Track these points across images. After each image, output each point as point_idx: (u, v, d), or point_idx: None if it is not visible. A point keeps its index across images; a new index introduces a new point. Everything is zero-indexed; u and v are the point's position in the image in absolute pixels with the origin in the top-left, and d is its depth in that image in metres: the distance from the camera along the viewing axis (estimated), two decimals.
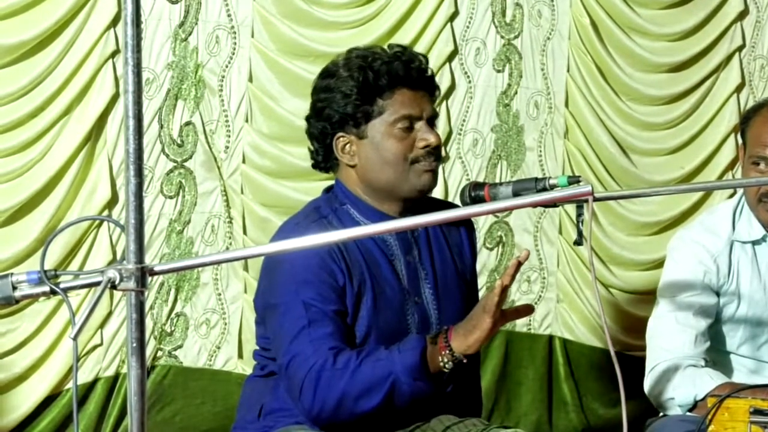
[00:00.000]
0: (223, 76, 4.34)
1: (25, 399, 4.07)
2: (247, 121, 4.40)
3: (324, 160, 2.99)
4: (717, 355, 3.44)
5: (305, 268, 2.81)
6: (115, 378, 4.23)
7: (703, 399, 3.14)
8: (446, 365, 2.72)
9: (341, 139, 2.93)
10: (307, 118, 3.00)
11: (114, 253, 4.16)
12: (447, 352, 2.70)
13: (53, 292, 2.05)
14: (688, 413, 3.22)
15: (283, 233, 2.93)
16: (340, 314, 2.83)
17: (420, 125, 2.91)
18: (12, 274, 2.07)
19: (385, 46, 2.98)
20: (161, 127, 4.23)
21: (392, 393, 2.72)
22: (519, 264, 2.65)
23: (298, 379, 2.76)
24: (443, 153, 4.64)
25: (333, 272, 2.83)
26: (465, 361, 2.72)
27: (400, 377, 2.71)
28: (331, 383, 2.73)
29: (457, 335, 2.71)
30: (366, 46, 3.05)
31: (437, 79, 3.08)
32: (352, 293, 2.85)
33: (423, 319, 2.93)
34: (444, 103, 4.74)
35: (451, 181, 4.77)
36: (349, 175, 2.96)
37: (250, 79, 4.40)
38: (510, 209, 4.49)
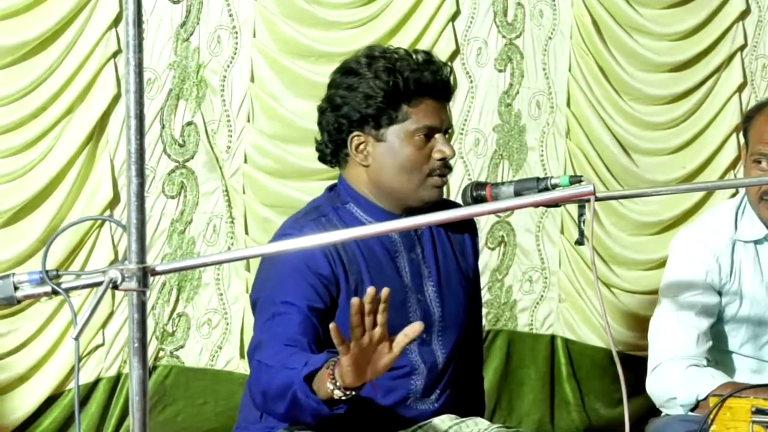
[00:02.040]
0: (225, 76, 4.34)
1: (26, 399, 4.08)
2: (248, 121, 4.40)
3: (332, 154, 2.98)
4: (719, 355, 3.44)
5: (289, 266, 2.81)
6: (117, 378, 4.23)
7: (705, 399, 3.14)
8: (334, 392, 2.52)
9: (357, 138, 2.91)
10: (321, 110, 2.98)
11: (116, 253, 4.17)
12: (331, 379, 2.52)
13: (55, 293, 2.05)
14: (689, 413, 3.22)
15: (281, 232, 2.94)
16: (313, 310, 2.79)
17: (438, 136, 2.91)
18: (14, 274, 2.07)
19: (410, 50, 2.97)
20: (163, 127, 4.23)
21: (294, 404, 2.62)
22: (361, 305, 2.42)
23: (251, 367, 2.81)
24: None
25: (319, 271, 2.82)
26: (351, 393, 2.51)
27: (297, 390, 2.59)
28: (259, 378, 2.73)
29: (339, 364, 2.52)
30: (386, 46, 3.03)
31: None
32: (348, 291, 2.85)
33: (426, 316, 2.93)
34: None
35: (452, 181, 4.77)
36: (358, 174, 2.95)
37: (252, 79, 4.40)
38: (512, 209, 4.49)
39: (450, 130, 2.99)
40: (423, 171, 2.90)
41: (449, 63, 3.09)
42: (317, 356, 2.65)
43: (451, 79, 3.00)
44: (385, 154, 2.90)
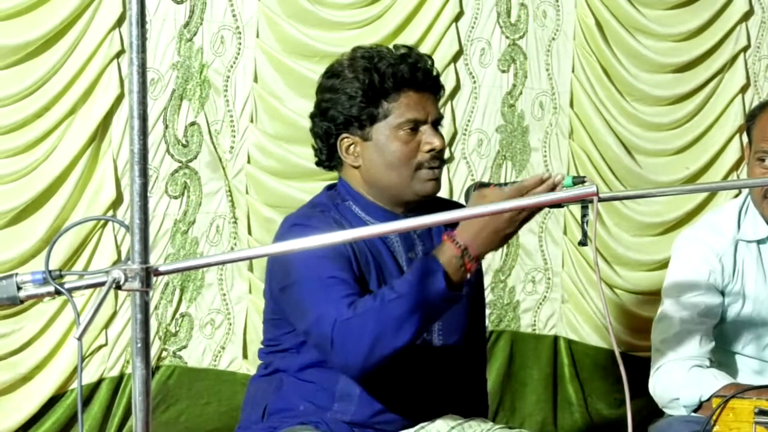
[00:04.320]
0: (228, 77, 4.34)
1: (29, 399, 4.08)
2: (252, 121, 4.40)
3: (328, 159, 2.99)
4: (722, 356, 3.44)
5: (315, 249, 2.80)
6: (120, 378, 4.23)
7: (708, 400, 3.14)
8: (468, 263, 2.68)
9: (345, 140, 2.92)
10: (312, 117, 2.99)
11: (119, 253, 4.17)
12: (473, 264, 2.68)
13: (58, 293, 2.05)
14: (692, 414, 3.22)
15: (287, 226, 2.93)
16: (357, 280, 2.81)
17: (425, 128, 2.90)
18: (17, 274, 2.07)
19: (391, 47, 2.97)
20: (166, 127, 4.23)
21: (425, 321, 2.69)
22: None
23: (326, 336, 2.72)
24: (448, 154, 4.64)
25: (343, 252, 2.83)
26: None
27: (431, 303, 2.65)
28: (361, 328, 2.67)
29: (481, 242, 2.68)
30: (370, 45, 3.04)
31: (442, 79, 3.07)
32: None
33: None
34: (449, 103, 4.74)
35: (455, 182, 4.77)
36: (353, 175, 2.97)
37: (255, 80, 4.40)
38: (515, 209, 4.48)
39: (440, 122, 2.96)
40: (411, 165, 2.89)
41: (431, 56, 3.05)
42: (420, 271, 2.68)
43: (433, 70, 2.96)
44: (373, 152, 2.91)
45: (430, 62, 2.97)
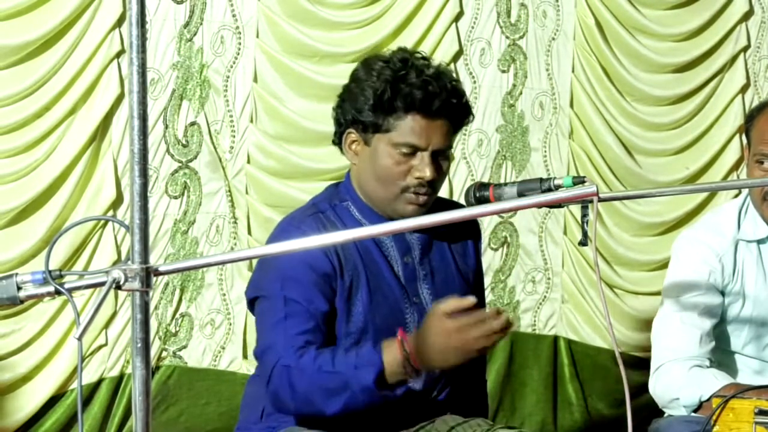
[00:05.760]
0: (228, 77, 4.34)
1: (29, 399, 4.08)
2: (251, 121, 4.40)
3: (339, 144, 3.00)
4: (722, 356, 3.44)
5: (293, 265, 2.82)
6: (120, 378, 4.24)
7: (708, 399, 3.14)
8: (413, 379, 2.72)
9: (351, 134, 2.92)
10: (338, 97, 2.98)
11: (119, 253, 4.17)
12: (414, 374, 2.69)
13: (58, 293, 2.05)
14: (692, 414, 3.22)
15: (279, 228, 2.94)
16: (321, 314, 2.83)
17: (422, 155, 2.85)
18: (17, 274, 2.07)
19: (426, 63, 2.89)
20: (166, 127, 4.23)
21: (350, 403, 2.71)
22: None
23: (268, 368, 2.79)
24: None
25: (322, 269, 2.83)
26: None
27: (355, 392, 2.69)
28: (294, 383, 2.74)
29: (426, 356, 2.66)
30: (413, 50, 2.95)
31: None
32: (343, 287, 2.85)
33: (422, 319, 2.92)
34: None
35: (455, 182, 4.77)
36: (353, 171, 2.98)
37: (255, 80, 4.40)
38: (515, 210, 4.49)
39: (445, 151, 2.90)
40: (398, 186, 2.85)
41: (459, 82, 2.98)
42: (363, 356, 2.71)
43: (457, 99, 2.88)
44: (367, 158, 2.90)
45: (452, 91, 2.88)
